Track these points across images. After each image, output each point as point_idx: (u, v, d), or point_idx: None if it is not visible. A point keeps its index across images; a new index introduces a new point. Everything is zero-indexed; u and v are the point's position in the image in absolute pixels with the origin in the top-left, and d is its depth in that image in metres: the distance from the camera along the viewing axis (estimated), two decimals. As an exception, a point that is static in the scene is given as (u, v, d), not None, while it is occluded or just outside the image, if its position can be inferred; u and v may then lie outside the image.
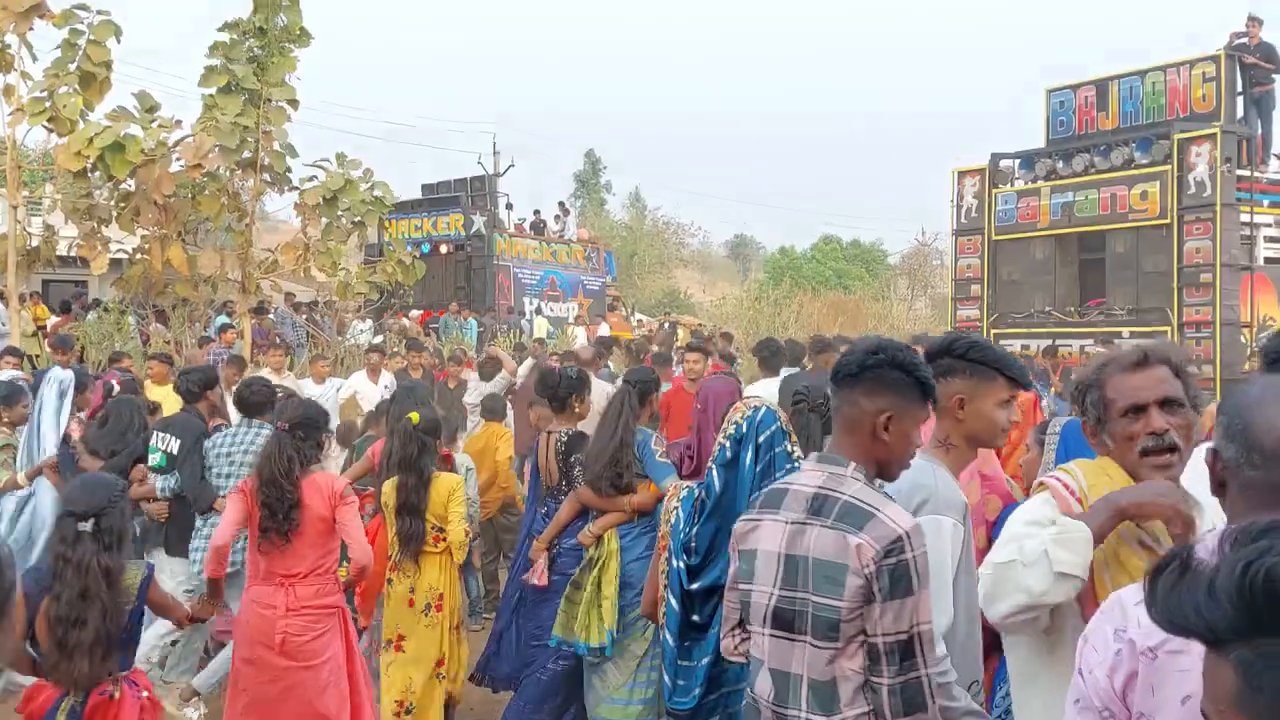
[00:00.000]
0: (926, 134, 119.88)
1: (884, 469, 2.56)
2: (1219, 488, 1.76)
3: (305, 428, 4.78)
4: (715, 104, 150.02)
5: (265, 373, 9.78)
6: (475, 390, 10.36)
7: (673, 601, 3.43)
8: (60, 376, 7.46)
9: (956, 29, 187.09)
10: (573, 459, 5.44)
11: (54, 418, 7.22)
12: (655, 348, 12.99)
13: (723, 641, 2.80)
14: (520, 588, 5.63)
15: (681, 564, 3.46)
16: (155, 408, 7.62)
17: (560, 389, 5.70)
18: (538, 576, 5.41)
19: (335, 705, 4.72)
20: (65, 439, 7.00)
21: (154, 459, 6.33)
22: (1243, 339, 13.31)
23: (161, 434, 6.36)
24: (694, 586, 3.40)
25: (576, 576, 5.20)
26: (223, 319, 17.55)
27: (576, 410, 5.72)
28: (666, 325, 26.47)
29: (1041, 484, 2.58)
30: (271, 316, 19.70)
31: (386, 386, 10.28)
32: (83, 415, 7.43)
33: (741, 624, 2.69)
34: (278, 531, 4.60)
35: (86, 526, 3.73)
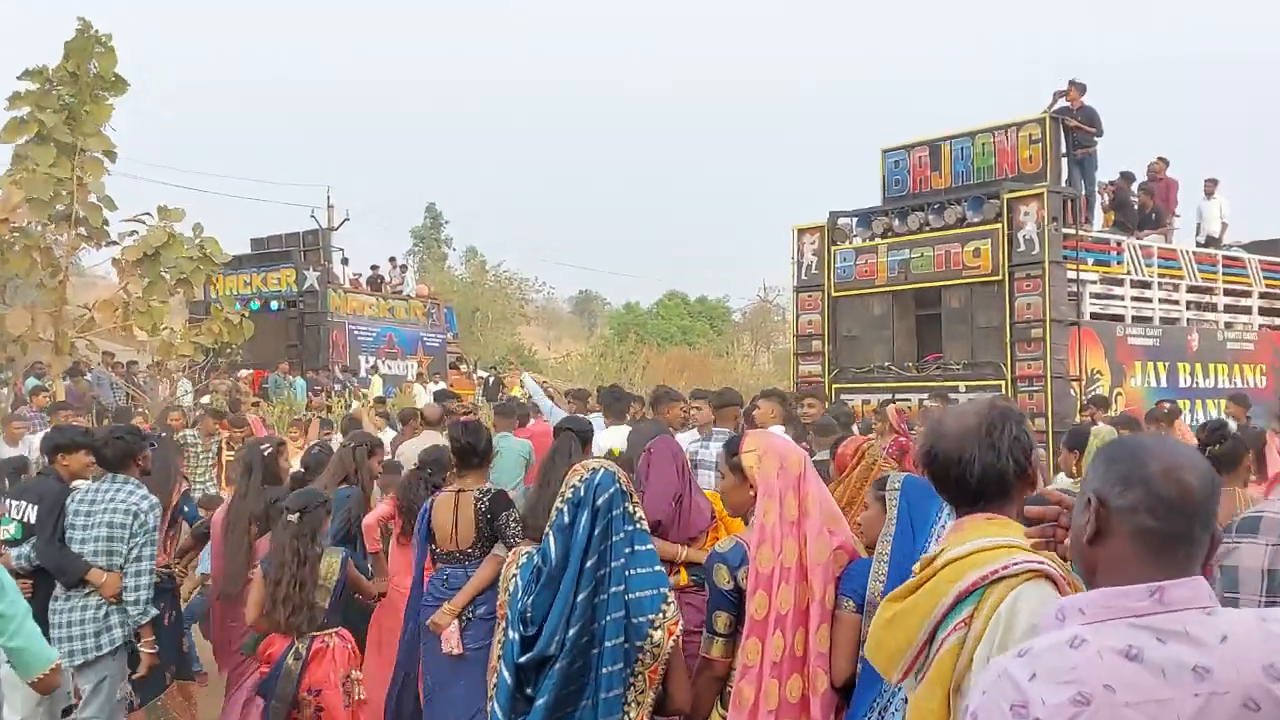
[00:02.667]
0: (767, 192, 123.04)
1: None
2: (1096, 536, 1.78)
3: (433, 466, 6.46)
4: (557, 160, 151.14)
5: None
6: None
7: (505, 674, 3.36)
8: None
9: (797, 90, 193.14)
10: (501, 519, 5.34)
11: None
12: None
13: None
14: (419, 670, 5.45)
15: (517, 635, 3.38)
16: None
17: (482, 444, 5.61)
18: (454, 645, 5.27)
19: None
20: None
21: (7, 530, 5.74)
22: (1072, 392, 13.95)
23: (16, 501, 5.79)
24: (524, 659, 3.33)
25: None
26: (34, 381, 16.78)
27: (486, 468, 5.68)
28: (491, 379, 26.41)
29: (1038, 573, 2.28)
30: (88, 378, 18.93)
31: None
32: None
33: None
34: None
35: (293, 519, 5.25)
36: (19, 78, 13.20)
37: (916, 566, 2.46)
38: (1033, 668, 1.67)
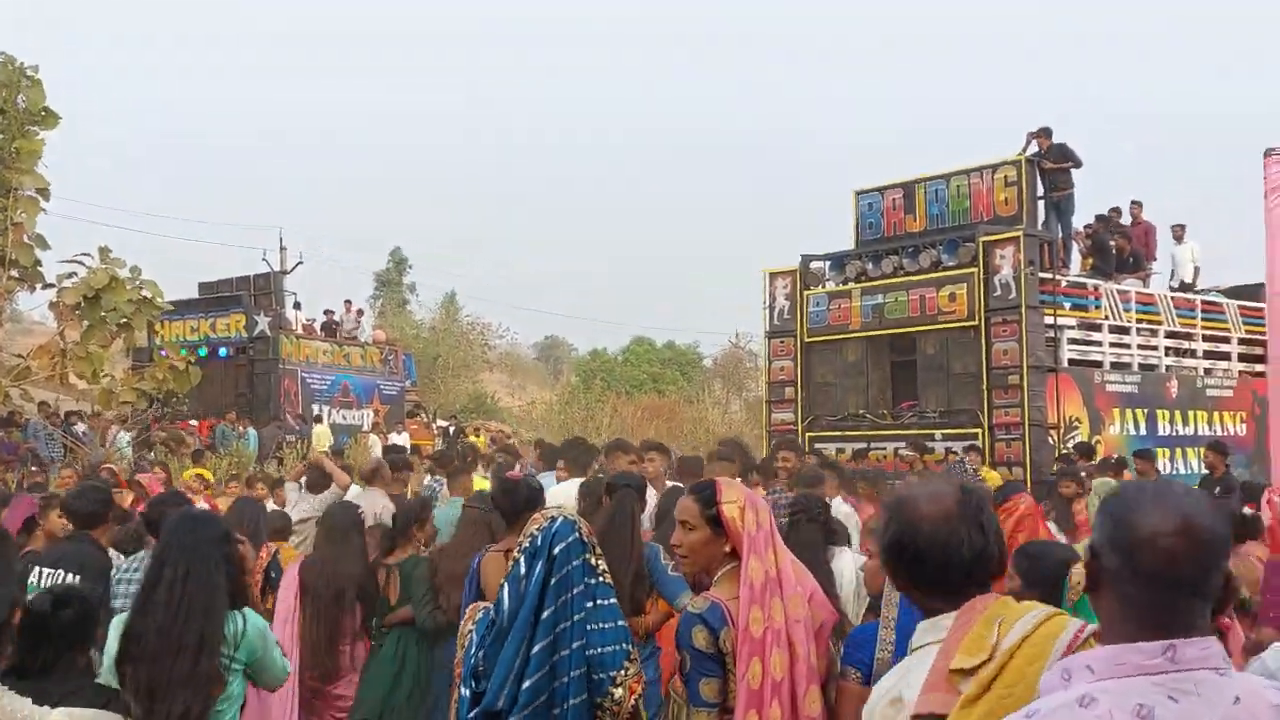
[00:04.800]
0: (740, 234, 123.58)
1: None
2: (1091, 588, 1.81)
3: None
4: (520, 202, 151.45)
5: None
6: (304, 503, 8.90)
7: None
8: None
9: (767, 130, 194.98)
10: None
11: None
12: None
13: None
14: None
15: (468, 691, 3.33)
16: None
17: (526, 500, 5.16)
18: None
19: None
20: None
21: None
22: (1050, 440, 14.02)
23: (50, 569, 5.26)
24: (471, 715, 3.28)
25: None
26: (-35, 433, 16.57)
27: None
28: (451, 429, 26.35)
29: None
30: (26, 430, 18.68)
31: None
32: None
33: None
34: None
35: None
36: None
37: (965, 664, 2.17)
38: None
